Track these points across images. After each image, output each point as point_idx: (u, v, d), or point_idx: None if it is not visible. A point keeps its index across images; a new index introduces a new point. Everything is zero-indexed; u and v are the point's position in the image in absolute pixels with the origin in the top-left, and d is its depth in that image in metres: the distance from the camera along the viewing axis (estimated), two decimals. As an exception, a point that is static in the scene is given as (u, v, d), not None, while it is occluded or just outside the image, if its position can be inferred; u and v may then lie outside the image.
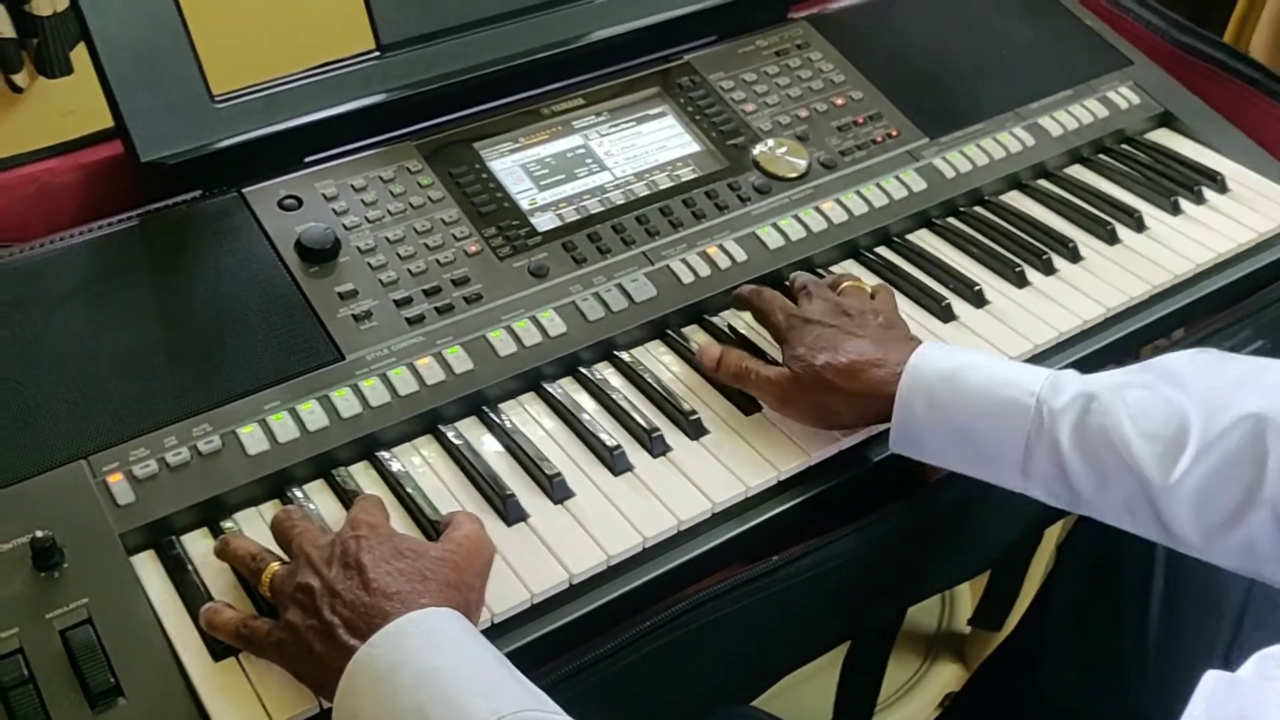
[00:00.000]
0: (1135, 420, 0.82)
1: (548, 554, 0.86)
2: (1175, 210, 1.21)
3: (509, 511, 0.88)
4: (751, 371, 0.95)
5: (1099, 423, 0.82)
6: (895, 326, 0.98)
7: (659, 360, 1.03)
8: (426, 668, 0.70)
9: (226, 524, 0.87)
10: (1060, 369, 0.88)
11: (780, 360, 0.96)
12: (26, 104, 2.31)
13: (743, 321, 1.06)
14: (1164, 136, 1.32)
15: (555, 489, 0.90)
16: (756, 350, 1.01)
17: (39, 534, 0.80)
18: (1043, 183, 1.25)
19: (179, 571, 0.83)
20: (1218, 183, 1.24)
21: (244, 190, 1.04)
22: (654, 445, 0.94)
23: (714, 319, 1.06)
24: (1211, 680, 0.63)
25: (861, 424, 0.94)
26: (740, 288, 1.04)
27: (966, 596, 1.71)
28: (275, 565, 0.80)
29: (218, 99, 1.06)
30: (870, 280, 1.07)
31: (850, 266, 1.14)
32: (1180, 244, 1.17)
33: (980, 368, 0.88)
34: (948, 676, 1.63)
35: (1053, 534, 1.43)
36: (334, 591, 0.75)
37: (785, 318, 0.97)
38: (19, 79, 2.23)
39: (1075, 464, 0.83)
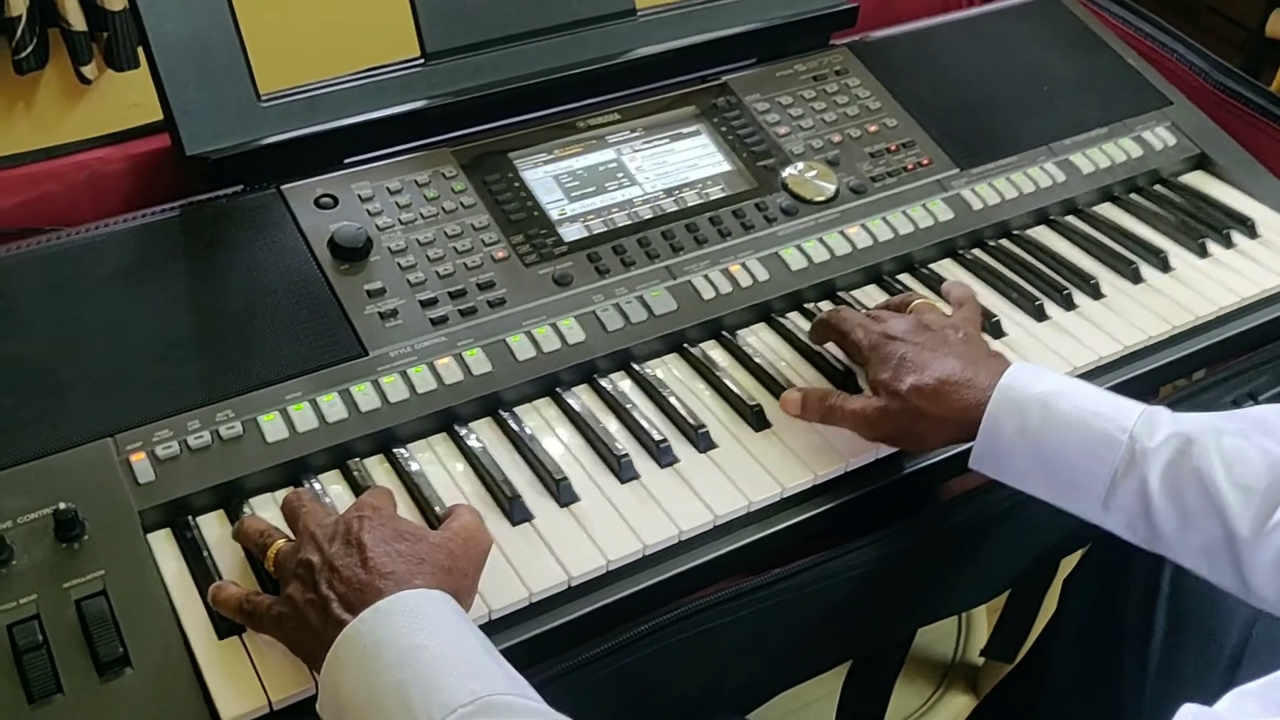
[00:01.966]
0: (1230, 468, 0.82)
1: (549, 555, 0.88)
2: (1202, 252, 1.21)
3: (514, 512, 0.90)
4: (837, 408, 0.95)
5: (1192, 466, 0.82)
6: (977, 342, 0.98)
7: (674, 373, 1.04)
8: (410, 646, 0.72)
9: (245, 510, 0.90)
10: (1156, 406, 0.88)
11: (839, 372, 0.98)
12: (94, 95, 2.38)
13: (759, 339, 1.08)
14: (1198, 179, 1.32)
15: (561, 492, 0.92)
16: (771, 379, 1.03)
17: (62, 506, 0.83)
18: (1071, 219, 1.25)
19: (192, 550, 0.86)
20: (1248, 227, 1.24)
21: (282, 187, 1.08)
22: (661, 455, 0.95)
23: (731, 335, 1.08)
24: (1189, 714, 0.64)
25: (947, 444, 0.95)
26: (818, 317, 1.04)
27: (983, 626, 1.71)
28: (281, 541, 0.83)
29: (264, 98, 1.10)
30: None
31: (871, 291, 1.15)
32: (1205, 286, 1.17)
33: (1073, 395, 0.88)
34: (959, 707, 1.63)
35: (1068, 564, 1.43)
36: (333, 567, 0.77)
37: (866, 334, 0.97)
38: (88, 71, 2.30)
39: (1161, 504, 0.83)
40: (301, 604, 0.77)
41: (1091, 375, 1.08)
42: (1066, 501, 0.88)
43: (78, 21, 2.23)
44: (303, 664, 0.79)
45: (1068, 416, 0.87)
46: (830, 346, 1.05)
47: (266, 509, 0.90)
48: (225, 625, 0.81)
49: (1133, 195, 1.29)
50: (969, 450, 0.92)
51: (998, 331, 1.10)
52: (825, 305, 1.13)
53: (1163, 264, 1.19)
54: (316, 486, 0.92)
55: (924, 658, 1.70)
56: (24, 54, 2.24)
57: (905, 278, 1.16)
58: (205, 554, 0.86)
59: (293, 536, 0.84)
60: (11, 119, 2.38)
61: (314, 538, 0.80)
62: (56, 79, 2.35)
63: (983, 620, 1.71)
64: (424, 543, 0.80)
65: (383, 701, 0.70)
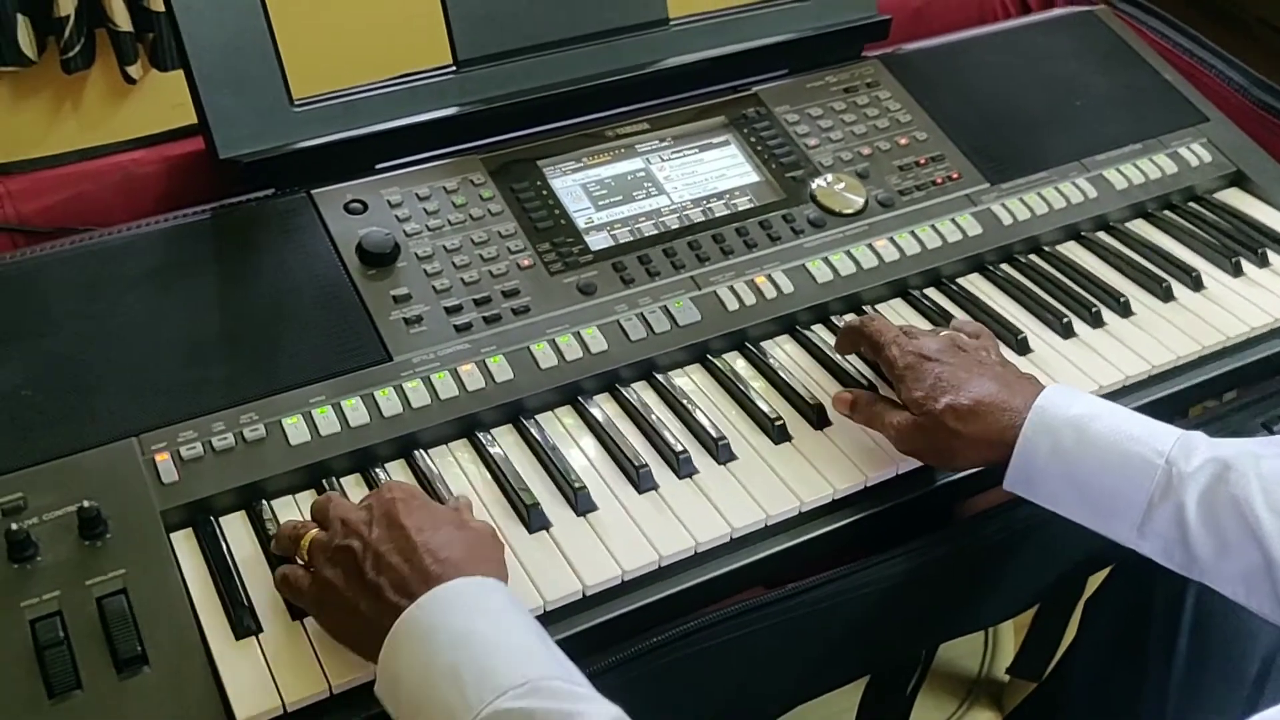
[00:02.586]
0: (1268, 494, 0.81)
1: (564, 564, 0.88)
2: (1236, 271, 1.20)
3: (532, 519, 0.91)
4: (878, 416, 0.96)
5: (1230, 493, 0.81)
6: (1009, 365, 0.98)
7: (696, 384, 1.04)
8: (465, 630, 0.73)
9: (265, 512, 0.91)
10: (1192, 430, 0.87)
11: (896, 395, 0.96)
12: (139, 95, 2.42)
13: (782, 351, 1.08)
14: (1234, 196, 1.31)
15: (579, 501, 0.92)
16: (794, 392, 1.03)
17: (86, 504, 0.85)
18: (1102, 235, 1.24)
19: (214, 551, 0.87)
20: (1284, 246, 1.22)
21: (313, 191, 1.09)
22: (681, 466, 0.96)
23: (754, 347, 1.08)
24: None
25: (979, 465, 0.94)
26: (848, 323, 1.04)
27: (1009, 643, 1.69)
28: (314, 531, 0.83)
29: (297, 103, 1.11)
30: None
31: (898, 305, 1.15)
32: (1237, 306, 1.16)
33: (1107, 418, 0.88)
34: (983, 723, 1.62)
35: (1095, 583, 1.42)
36: (378, 553, 0.78)
37: (901, 353, 0.96)
38: (133, 71, 2.33)
39: (1198, 531, 0.82)
40: (344, 590, 0.78)
41: (1118, 395, 1.07)
42: (1101, 525, 0.88)
43: (124, 22, 2.26)
44: (316, 667, 0.80)
45: (1102, 440, 0.86)
46: (854, 359, 1.05)
47: (288, 511, 0.91)
48: (243, 626, 0.82)
49: (1166, 212, 1.28)
50: (990, 470, 0.91)
51: (1024, 348, 1.09)
52: (850, 319, 1.12)
53: (1195, 282, 1.18)
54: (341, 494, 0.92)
55: (949, 673, 1.69)
56: (71, 53, 2.28)
57: (932, 292, 1.16)
58: (226, 554, 0.87)
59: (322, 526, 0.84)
60: (59, 118, 2.42)
61: (349, 524, 0.81)
62: (103, 78, 2.39)
63: (1009, 637, 1.70)
64: (470, 530, 0.81)
65: (436, 682, 0.71)
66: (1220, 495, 0.82)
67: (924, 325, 1.12)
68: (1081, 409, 0.88)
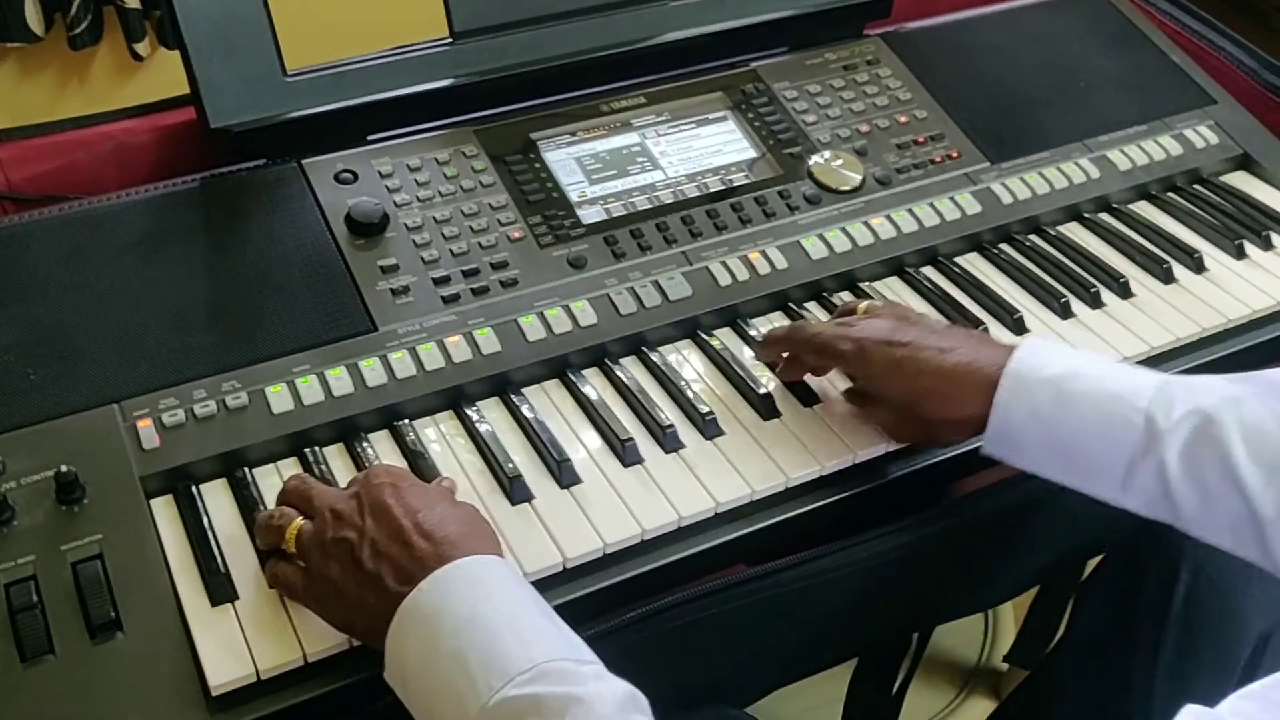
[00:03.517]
0: (1249, 443, 0.79)
1: (546, 536, 0.87)
2: (1239, 254, 1.18)
3: (514, 491, 0.90)
4: (869, 416, 0.96)
5: (1212, 447, 0.80)
6: (954, 326, 0.97)
7: (685, 359, 1.03)
8: (467, 615, 0.72)
9: (246, 479, 0.90)
10: (1166, 375, 0.86)
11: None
12: (146, 71, 2.42)
13: (773, 327, 1.07)
14: (1240, 179, 1.29)
15: (563, 474, 0.91)
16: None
17: (63, 469, 0.84)
18: (1104, 216, 1.22)
19: (192, 518, 0.86)
20: (1289, 229, 1.21)
21: (303, 161, 1.08)
22: (667, 440, 0.95)
23: (746, 324, 1.07)
24: (1190, 715, 0.63)
25: (967, 436, 0.92)
26: (768, 332, 1.01)
27: (1009, 631, 1.68)
28: (299, 521, 0.81)
29: (290, 73, 1.10)
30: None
31: (893, 283, 1.13)
32: (1239, 288, 1.14)
33: (1084, 375, 0.86)
34: (980, 712, 1.60)
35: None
36: (374, 541, 0.76)
37: (855, 345, 0.93)
38: (140, 48, 2.34)
39: (1180, 485, 0.81)
40: (344, 583, 0.76)
41: (1116, 376, 1.06)
42: (1084, 485, 0.87)
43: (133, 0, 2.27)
44: (291, 635, 0.79)
45: (1080, 400, 0.85)
46: None
47: (269, 478, 0.91)
48: (219, 593, 0.82)
49: (1170, 194, 1.26)
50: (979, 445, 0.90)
51: (1021, 328, 1.08)
52: (845, 295, 1.11)
53: (1196, 264, 1.16)
54: (323, 463, 0.91)
55: (948, 661, 1.67)
56: (79, 30, 2.28)
57: (929, 270, 1.14)
58: (205, 522, 0.86)
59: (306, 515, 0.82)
60: (65, 94, 2.42)
61: (341, 515, 0.79)
62: (110, 55, 2.39)
63: (1009, 625, 1.68)
64: (464, 508, 0.80)
65: (443, 670, 0.70)
66: (1202, 450, 0.81)
67: (921, 304, 1.11)
68: (1057, 368, 0.87)
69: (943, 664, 1.66)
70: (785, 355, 1.00)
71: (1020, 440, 0.87)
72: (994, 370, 0.87)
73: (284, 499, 0.84)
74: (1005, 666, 1.62)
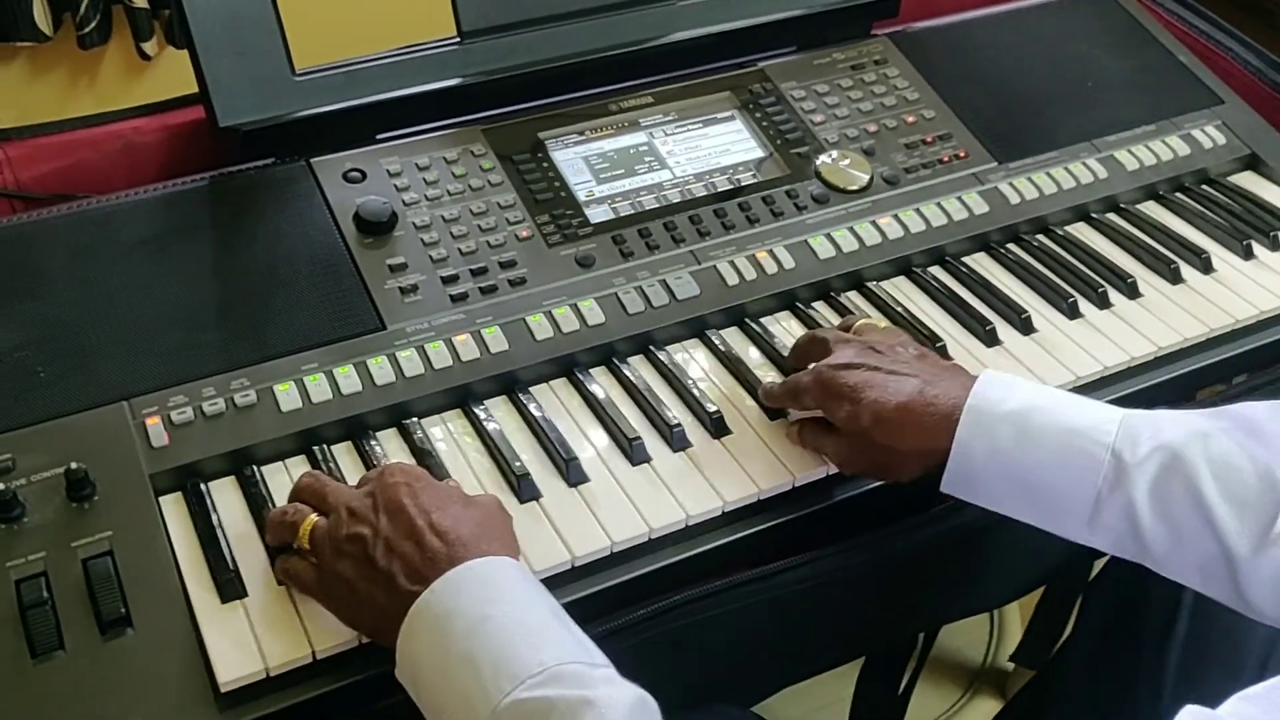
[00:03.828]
0: (1220, 480, 0.78)
1: (554, 535, 0.88)
2: (1247, 254, 1.18)
3: (522, 489, 0.90)
4: (821, 443, 0.92)
5: (1180, 484, 0.78)
6: (930, 357, 0.93)
7: (693, 358, 1.04)
8: (478, 616, 0.71)
9: (255, 477, 0.90)
10: (1128, 410, 0.83)
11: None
12: (154, 71, 2.43)
13: (781, 328, 1.07)
14: (1247, 180, 1.29)
15: (571, 472, 0.91)
16: (790, 367, 1.01)
17: (74, 466, 0.84)
18: (1111, 216, 1.22)
19: (201, 515, 0.87)
20: (1297, 230, 1.20)
21: (311, 160, 1.08)
22: (675, 439, 0.95)
23: (754, 322, 1.07)
24: (1190, 715, 0.63)
25: (924, 472, 0.88)
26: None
27: (1015, 631, 1.68)
28: (313, 517, 0.81)
29: (299, 72, 1.10)
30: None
31: (900, 283, 1.13)
32: (1247, 289, 1.14)
33: (1047, 410, 0.83)
34: (985, 712, 1.61)
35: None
36: (388, 540, 0.76)
37: (813, 378, 0.91)
38: (148, 47, 2.34)
39: (1149, 523, 0.79)
40: (357, 580, 0.76)
41: (1124, 376, 1.06)
42: (1048, 523, 0.84)
43: (140, -1, 2.27)
44: (300, 631, 0.80)
45: (1043, 435, 0.82)
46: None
47: (278, 476, 0.91)
48: (228, 590, 0.82)
49: (1178, 194, 1.26)
50: None
51: (1028, 328, 1.08)
52: (852, 295, 1.11)
53: (1204, 265, 1.16)
54: (331, 461, 0.92)
55: (954, 661, 1.67)
56: (87, 29, 2.29)
57: (936, 270, 1.14)
58: (214, 519, 0.87)
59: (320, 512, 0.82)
60: (75, 94, 2.43)
61: (355, 513, 0.79)
62: (118, 55, 2.40)
63: (1015, 625, 1.69)
64: (477, 505, 0.80)
65: (454, 672, 0.70)
66: (1171, 486, 0.78)
67: (928, 304, 1.11)
68: (1017, 402, 0.84)
69: (948, 664, 1.66)
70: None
71: (980, 479, 0.85)
72: (951, 405, 0.85)
73: (297, 495, 0.84)
74: (1011, 666, 1.62)
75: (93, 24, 2.29)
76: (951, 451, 0.84)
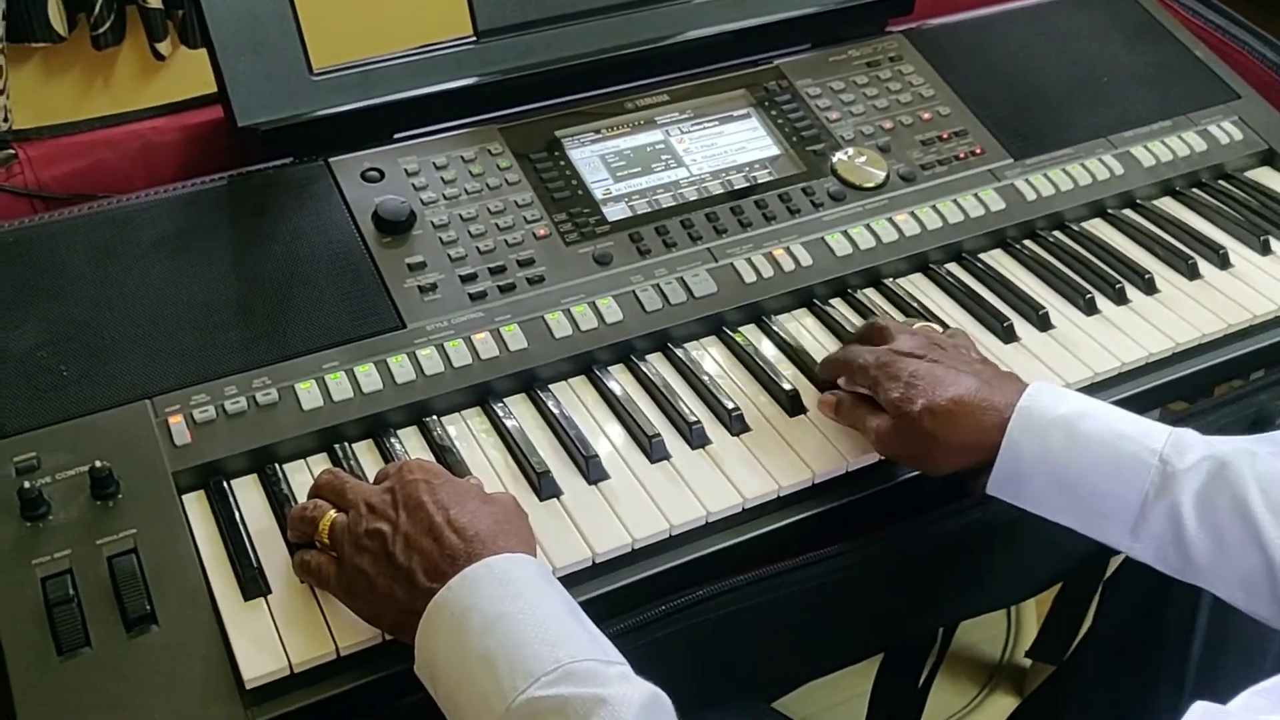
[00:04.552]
0: (1267, 495, 0.78)
1: (575, 532, 0.88)
2: (1265, 250, 1.18)
3: (543, 487, 0.90)
4: (860, 419, 0.93)
5: (1229, 492, 0.79)
6: (988, 362, 0.94)
7: (711, 355, 1.04)
8: (495, 614, 0.72)
9: (276, 476, 0.90)
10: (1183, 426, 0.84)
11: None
12: (169, 71, 2.43)
13: (797, 324, 1.07)
14: (1264, 175, 1.29)
15: (591, 470, 0.92)
16: (808, 365, 1.02)
17: (98, 464, 0.85)
18: (1128, 212, 1.22)
19: (224, 513, 0.87)
20: (1315, 225, 1.20)
21: (330, 159, 1.09)
22: (694, 437, 0.95)
23: (771, 320, 1.07)
24: (1201, 711, 0.63)
25: (962, 468, 0.89)
26: (825, 358, 1.00)
27: (1032, 627, 1.68)
28: (333, 513, 0.82)
29: (316, 72, 1.10)
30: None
31: (917, 280, 1.13)
32: (1265, 284, 1.14)
33: (1097, 417, 0.84)
34: (1003, 708, 1.61)
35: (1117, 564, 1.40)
36: (407, 535, 0.77)
37: (874, 357, 0.92)
38: (162, 47, 2.35)
39: (1194, 532, 0.79)
40: (375, 575, 0.77)
41: (1142, 372, 1.06)
42: (1091, 528, 0.85)
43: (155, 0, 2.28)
44: (323, 629, 0.80)
45: (1092, 439, 0.83)
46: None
47: (299, 474, 0.91)
48: (252, 587, 0.82)
49: (1194, 190, 1.26)
50: None
51: (1046, 324, 1.08)
52: (870, 292, 1.11)
53: (1222, 260, 1.16)
54: (352, 459, 0.92)
55: (971, 658, 1.67)
56: (101, 30, 2.30)
57: (953, 267, 1.15)
58: (237, 516, 0.87)
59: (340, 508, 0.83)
60: (90, 94, 2.44)
61: (375, 509, 0.79)
62: (133, 55, 2.41)
63: (1032, 621, 1.69)
64: (495, 502, 0.80)
65: (471, 669, 0.71)
66: (1218, 494, 0.79)
67: (946, 300, 1.11)
68: (1069, 408, 0.85)
69: (966, 660, 1.66)
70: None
71: (1027, 480, 0.85)
72: (1004, 405, 0.86)
73: (317, 492, 0.85)
74: (1028, 662, 1.62)
75: (107, 24, 2.30)
76: (1000, 451, 0.85)
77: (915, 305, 1.09)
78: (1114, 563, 1.29)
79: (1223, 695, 0.97)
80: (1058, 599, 1.48)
